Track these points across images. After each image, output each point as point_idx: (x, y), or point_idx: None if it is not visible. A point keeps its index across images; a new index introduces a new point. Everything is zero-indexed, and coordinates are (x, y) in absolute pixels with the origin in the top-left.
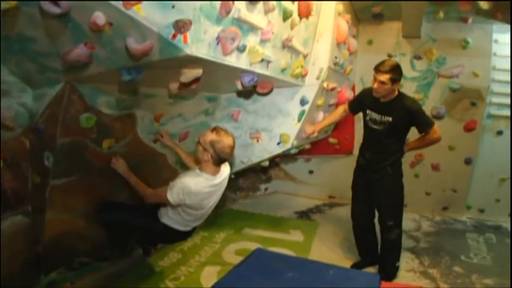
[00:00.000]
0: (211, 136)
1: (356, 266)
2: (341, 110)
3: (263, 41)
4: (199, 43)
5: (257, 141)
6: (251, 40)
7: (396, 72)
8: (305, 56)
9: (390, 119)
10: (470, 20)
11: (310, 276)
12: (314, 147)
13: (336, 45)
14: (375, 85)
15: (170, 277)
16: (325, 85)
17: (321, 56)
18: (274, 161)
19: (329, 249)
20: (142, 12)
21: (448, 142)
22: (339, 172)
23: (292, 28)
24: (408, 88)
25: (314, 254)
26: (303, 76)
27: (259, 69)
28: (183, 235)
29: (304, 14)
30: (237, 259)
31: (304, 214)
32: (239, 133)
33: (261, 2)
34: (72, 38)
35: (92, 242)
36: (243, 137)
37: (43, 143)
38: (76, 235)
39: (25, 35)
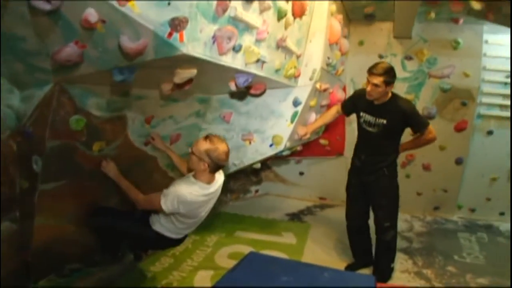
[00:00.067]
0: (205, 145)
1: (351, 267)
2: (334, 111)
3: (258, 41)
4: (195, 42)
5: (250, 143)
6: (247, 40)
7: (389, 74)
8: (298, 57)
9: (385, 121)
10: (461, 21)
11: (305, 279)
12: (305, 149)
13: (329, 45)
14: (368, 88)
15: (162, 283)
16: (318, 86)
17: (314, 56)
18: (266, 163)
19: (322, 251)
20: (137, 9)
21: (439, 142)
22: (329, 174)
23: (286, 28)
24: (399, 88)
25: (307, 256)
26: (296, 77)
27: (254, 70)
28: (175, 242)
29: (298, 13)
30: (230, 263)
31: (296, 216)
32: (231, 135)
33: (257, 1)
34: (62, 37)
35: (83, 247)
36: (235, 139)
37: (31, 146)
38: (66, 241)
39: (12, 33)
